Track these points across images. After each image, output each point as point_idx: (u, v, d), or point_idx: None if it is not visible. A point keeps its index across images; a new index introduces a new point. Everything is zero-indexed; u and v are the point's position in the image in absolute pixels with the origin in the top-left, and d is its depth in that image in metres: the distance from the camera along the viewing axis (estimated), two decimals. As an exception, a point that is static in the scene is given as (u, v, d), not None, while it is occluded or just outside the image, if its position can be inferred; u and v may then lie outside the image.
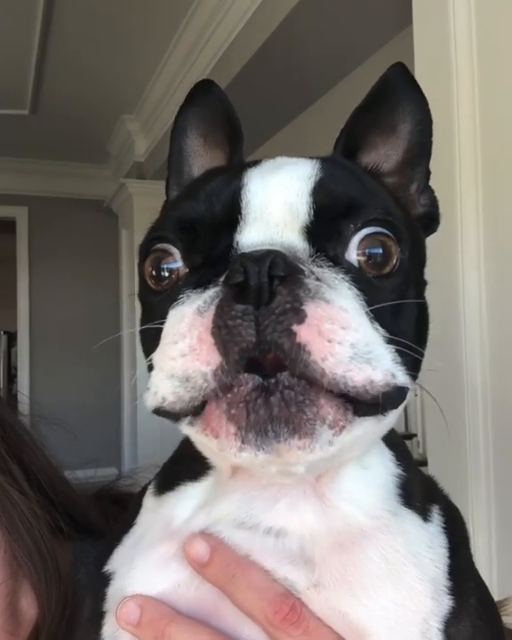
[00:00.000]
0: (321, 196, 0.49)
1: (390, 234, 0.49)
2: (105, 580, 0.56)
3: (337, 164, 0.54)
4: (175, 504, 0.56)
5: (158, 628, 0.50)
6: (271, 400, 0.42)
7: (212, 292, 0.45)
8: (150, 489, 0.61)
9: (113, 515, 0.86)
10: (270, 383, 0.42)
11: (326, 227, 0.48)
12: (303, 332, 0.42)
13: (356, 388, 0.42)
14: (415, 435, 5.44)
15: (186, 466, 0.57)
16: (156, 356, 0.47)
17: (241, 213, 0.49)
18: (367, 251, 0.49)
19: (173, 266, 0.51)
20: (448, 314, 1.34)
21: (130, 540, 0.58)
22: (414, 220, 0.58)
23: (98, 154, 5.25)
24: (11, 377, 6.27)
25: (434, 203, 0.61)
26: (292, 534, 0.51)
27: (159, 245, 0.52)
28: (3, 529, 0.71)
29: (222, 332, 0.43)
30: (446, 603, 0.50)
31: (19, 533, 0.71)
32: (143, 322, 0.53)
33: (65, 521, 0.77)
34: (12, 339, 6.22)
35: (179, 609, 0.52)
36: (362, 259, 0.48)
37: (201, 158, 0.63)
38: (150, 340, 0.50)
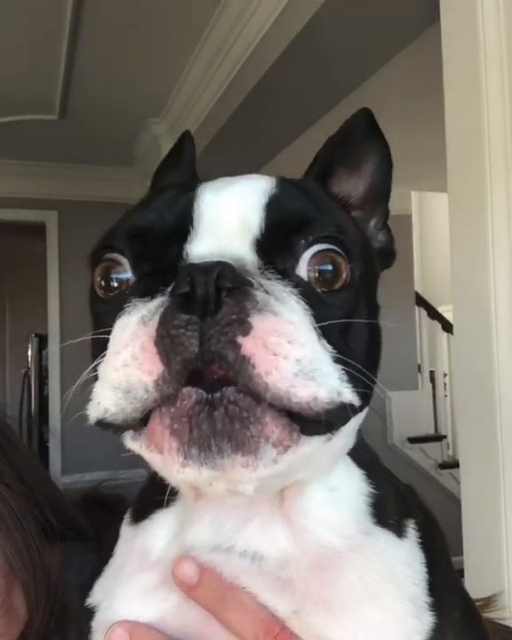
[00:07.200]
0: (274, 210, 0.49)
1: (340, 251, 0.49)
2: (89, 613, 0.56)
3: (293, 182, 0.55)
4: (150, 533, 0.56)
5: None
6: (215, 415, 0.41)
7: (157, 302, 0.44)
8: (126, 518, 0.60)
9: (99, 517, 0.86)
10: (214, 397, 0.41)
11: (277, 241, 0.48)
12: (248, 345, 0.41)
13: (300, 404, 0.42)
14: (445, 436, 5.39)
15: (157, 491, 0.56)
16: (101, 367, 0.47)
17: (192, 224, 0.49)
18: (317, 267, 0.48)
19: (123, 276, 0.51)
20: (478, 312, 1.33)
21: (109, 572, 0.58)
22: (371, 246, 0.60)
23: (125, 157, 5.29)
24: (42, 378, 6.35)
25: (390, 240, 0.62)
26: (269, 557, 0.50)
27: (109, 255, 0.52)
28: None
29: (165, 341, 0.42)
30: (428, 619, 0.49)
31: (9, 530, 0.72)
32: (93, 332, 0.53)
33: (50, 522, 0.77)
34: (42, 341, 6.29)
35: (167, 636, 0.51)
36: (312, 275, 0.48)
37: None
38: (98, 351, 0.49)
